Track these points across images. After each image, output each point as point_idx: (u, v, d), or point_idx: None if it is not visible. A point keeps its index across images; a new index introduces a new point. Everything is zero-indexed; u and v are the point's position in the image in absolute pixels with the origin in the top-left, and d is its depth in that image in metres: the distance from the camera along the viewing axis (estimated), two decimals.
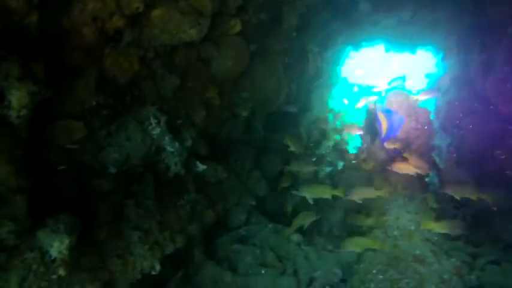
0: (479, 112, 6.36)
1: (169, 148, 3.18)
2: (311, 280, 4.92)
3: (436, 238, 4.98)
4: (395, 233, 4.92)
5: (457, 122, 7.63)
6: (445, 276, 4.01)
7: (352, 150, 8.25)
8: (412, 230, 4.94)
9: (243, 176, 6.09)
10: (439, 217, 5.54)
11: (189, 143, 3.59)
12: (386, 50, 11.68)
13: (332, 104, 11.13)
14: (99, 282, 2.96)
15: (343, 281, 4.92)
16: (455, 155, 7.18)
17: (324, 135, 9.25)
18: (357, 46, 11.32)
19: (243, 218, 5.86)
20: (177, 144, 3.24)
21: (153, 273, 3.65)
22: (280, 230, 5.72)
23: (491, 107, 6.11)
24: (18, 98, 1.85)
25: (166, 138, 3.17)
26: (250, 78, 5.50)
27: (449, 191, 4.82)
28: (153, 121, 3.10)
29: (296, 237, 5.53)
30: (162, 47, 3.32)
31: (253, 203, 5.96)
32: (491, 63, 5.80)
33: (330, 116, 10.30)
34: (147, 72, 3.31)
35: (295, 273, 5.07)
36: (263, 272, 5.06)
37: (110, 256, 3.22)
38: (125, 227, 3.46)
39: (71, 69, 2.48)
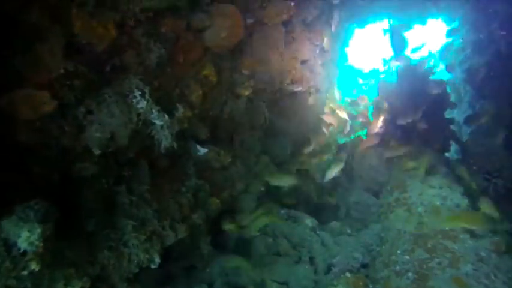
0: (506, 75, 5.80)
1: (158, 122, 2.81)
2: (329, 267, 4.52)
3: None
4: (420, 209, 4.46)
5: (479, 89, 7.07)
6: (482, 254, 3.53)
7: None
8: (438, 205, 4.46)
9: (250, 161, 5.70)
10: (466, 191, 5.06)
11: (180, 113, 3.21)
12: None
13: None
14: (88, 278, 2.63)
15: (364, 266, 4.51)
16: (479, 125, 6.65)
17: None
18: (361, 23, 10.73)
19: (253, 206, 5.48)
20: (166, 116, 2.87)
21: (153, 266, 3.31)
22: (294, 215, 5.33)
23: None
24: None
25: (154, 111, 2.80)
26: (250, 54, 5.09)
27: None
28: (137, 93, 2.73)
29: (310, 222, 5.14)
30: (144, 13, 2.94)
31: (263, 189, 5.57)
32: None
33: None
34: (128, 41, 2.94)
35: (311, 260, 4.69)
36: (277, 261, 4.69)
37: (100, 248, 2.89)
38: (116, 216, 3.12)
39: (30, 30, 2.13)
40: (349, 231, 5.20)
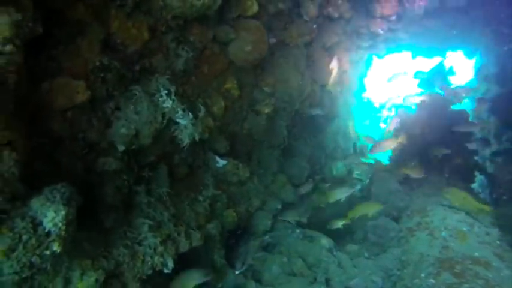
0: None
1: (182, 121, 2.88)
2: None
3: (498, 242, 4.25)
4: (444, 234, 4.26)
5: (505, 120, 6.95)
6: None
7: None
8: (464, 230, 4.26)
9: (267, 179, 5.67)
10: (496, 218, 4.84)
11: (202, 112, 3.28)
12: (414, 56, 11.17)
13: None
14: (103, 271, 2.60)
15: None
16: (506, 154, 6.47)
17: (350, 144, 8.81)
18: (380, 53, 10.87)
19: (268, 224, 5.38)
20: (190, 114, 2.94)
21: (166, 271, 3.25)
22: (310, 235, 5.18)
23: None
24: None
25: (179, 110, 2.88)
26: (271, 72, 5.23)
27: None
28: (163, 92, 2.84)
29: (327, 243, 4.97)
30: (175, 20, 3.12)
31: (280, 207, 5.49)
32: None
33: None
34: (158, 46, 3.10)
35: (327, 282, 4.48)
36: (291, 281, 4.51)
37: (116, 245, 2.87)
38: (134, 215, 3.13)
39: (73, 24, 2.29)
40: (366, 255, 4.99)
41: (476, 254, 3.83)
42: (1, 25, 1.63)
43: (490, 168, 7.22)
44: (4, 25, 1.64)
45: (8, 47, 1.70)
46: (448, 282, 3.45)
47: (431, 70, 8.09)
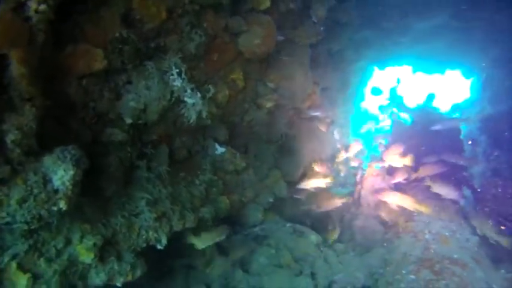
0: None
1: (190, 100, 2.99)
2: (330, 284, 4.44)
3: (476, 249, 4.44)
4: (427, 236, 4.43)
5: (495, 139, 7.19)
6: (494, 286, 3.49)
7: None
8: (447, 235, 4.43)
9: (262, 173, 5.78)
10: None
11: (211, 93, 3.39)
12: (414, 71, 11.43)
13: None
14: (101, 237, 2.69)
15: None
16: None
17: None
18: (382, 64, 11.11)
19: (260, 217, 5.49)
20: (198, 94, 3.05)
21: (159, 247, 3.34)
22: (299, 230, 5.30)
23: None
24: None
25: (188, 89, 2.99)
26: (276, 68, 5.36)
27: None
28: (174, 71, 2.95)
29: (315, 239, 5.10)
30: (191, 4, 3.24)
31: (271, 199, 5.60)
32: None
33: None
34: (173, 27, 3.21)
35: (312, 275, 4.61)
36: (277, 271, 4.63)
37: (115, 215, 2.96)
38: (133, 189, 3.22)
39: None
40: (352, 253, 5.13)
41: (455, 256, 4.02)
42: None
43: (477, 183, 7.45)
44: None
45: (43, 6, 1.80)
46: (427, 279, 3.62)
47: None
